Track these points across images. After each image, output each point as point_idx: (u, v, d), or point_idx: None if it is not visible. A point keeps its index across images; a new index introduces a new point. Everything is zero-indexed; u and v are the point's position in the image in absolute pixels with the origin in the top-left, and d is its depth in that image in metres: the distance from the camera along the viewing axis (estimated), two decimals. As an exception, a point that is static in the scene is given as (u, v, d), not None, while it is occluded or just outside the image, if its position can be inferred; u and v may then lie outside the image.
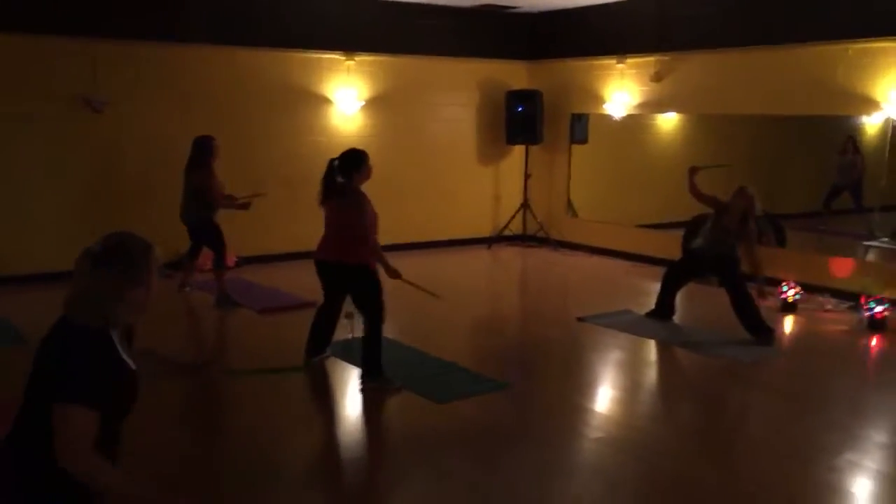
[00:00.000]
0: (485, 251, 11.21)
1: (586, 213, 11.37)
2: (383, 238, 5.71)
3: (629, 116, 10.46)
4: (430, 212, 11.04)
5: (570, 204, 11.44)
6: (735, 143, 9.60)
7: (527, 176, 11.50)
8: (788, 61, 8.58)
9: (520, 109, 11.09)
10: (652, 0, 9.79)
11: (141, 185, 8.94)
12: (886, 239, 8.05)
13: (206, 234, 7.76)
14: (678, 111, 10.18)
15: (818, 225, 9.38)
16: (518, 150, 11.60)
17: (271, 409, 5.27)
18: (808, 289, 8.15)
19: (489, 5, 10.54)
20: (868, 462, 4.55)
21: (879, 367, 6.66)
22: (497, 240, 11.52)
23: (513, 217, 11.51)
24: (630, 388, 5.98)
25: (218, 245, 7.76)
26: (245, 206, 7.85)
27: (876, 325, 7.22)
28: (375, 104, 10.43)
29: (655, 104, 10.11)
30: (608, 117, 10.67)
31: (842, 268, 8.21)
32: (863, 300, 7.36)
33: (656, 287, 7.58)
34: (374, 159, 5.65)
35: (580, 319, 7.47)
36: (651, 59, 9.94)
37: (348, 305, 5.85)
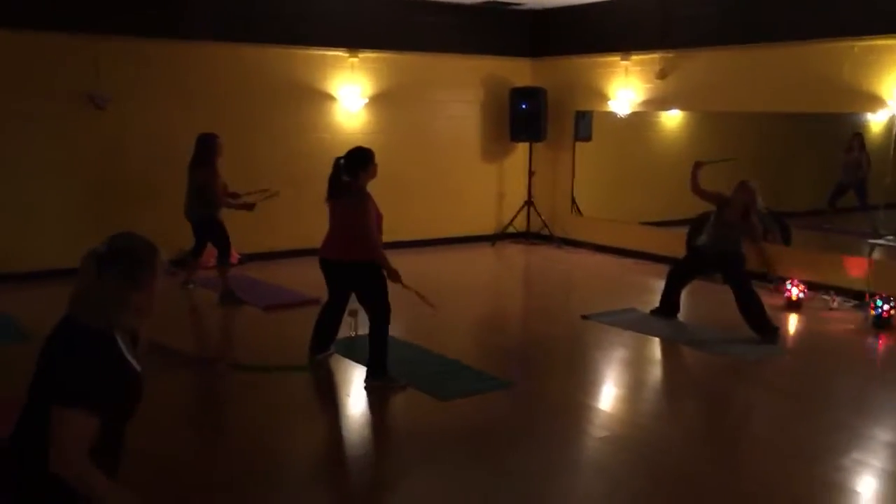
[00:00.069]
0: (488, 248, 11.19)
1: (590, 210, 11.35)
2: (387, 235, 5.70)
3: (633, 114, 10.43)
4: (434, 209, 11.03)
5: (573, 201, 11.41)
6: (740, 140, 9.57)
7: (531, 173, 11.48)
8: (793, 58, 8.55)
9: (524, 107, 11.07)
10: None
11: (144, 182, 8.94)
12: (891, 237, 8.02)
13: (209, 231, 7.76)
14: (683, 108, 10.15)
15: (823, 223, 9.35)
16: (522, 148, 11.58)
17: (275, 407, 5.26)
18: (813, 287, 8.13)
19: (493, 2, 10.51)
20: (874, 461, 4.53)
21: (885, 366, 6.63)
22: (501, 237, 11.50)
23: (516, 214, 11.49)
24: (634, 387, 5.96)
25: (222, 242, 7.76)
26: (249, 207, 7.81)
27: (881, 323, 7.19)
28: (379, 101, 10.42)
29: (660, 101, 10.09)
30: (612, 115, 10.64)
31: (856, 267, 8.18)
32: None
33: (661, 285, 7.56)
34: (377, 157, 5.63)
35: (584, 317, 7.45)
36: (656, 56, 9.91)
37: (353, 303, 5.84)
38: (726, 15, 9.11)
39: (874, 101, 7.98)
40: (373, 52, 10.26)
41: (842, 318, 7.61)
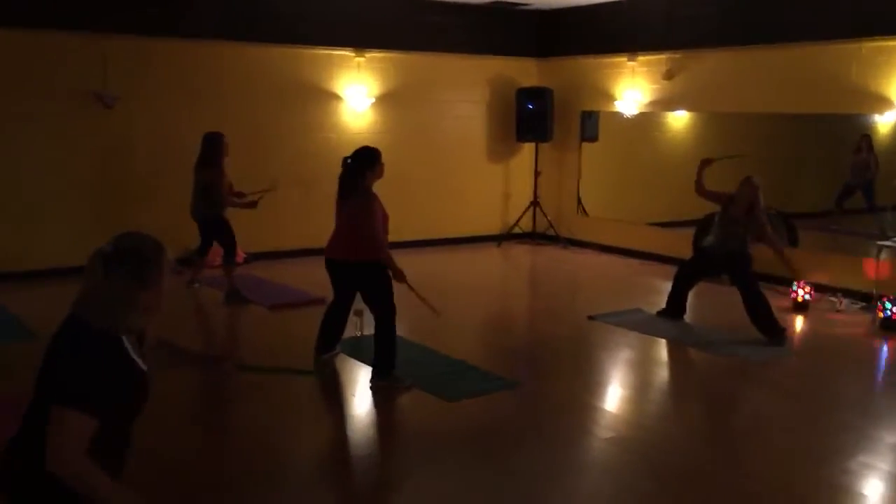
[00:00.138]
0: (494, 249, 11.18)
1: (596, 210, 11.33)
2: (392, 235, 5.69)
3: (640, 114, 10.42)
4: (440, 209, 11.03)
5: (580, 202, 11.40)
6: (747, 141, 9.53)
7: (536, 173, 11.47)
8: (801, 59, 8.53)
9: (530, 107, 11.06)
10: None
11: (151, 181, 8.96)
12: (899, 238, 7.99)
13: (215, 230, 7.77)
14: (689, 109, 10.13)
15: (830, 224, 9.32)
16: (528, 148, 11.57)
17: (281, 407, 5.26)
18: (820, 289, 8.11)
19: (500, 2, 10.51)
20: (881, 464, 4.51)
21: (893, 368, 6.60)
22: (507, 237, 11.49)
23: (522, 215, 11.48)
24: (640, 388, 5.95)
25: (228, 241, 7.77)
26: (252, 205, 7.83)
27: (889, 325, 7.17)
28: (386, 101, 10.42)
29: (667, 102, 10.07)
30: (619, 115, 10.63)
31: (863, 268, 8.14)
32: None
33: (667, 286, 7.55)
34: (383, 156, 5.63)
35: (590, 318, 7.44)
36: (663, 56, 9.90)
37: (359, 303, 5.84)
38: (733, 16, 9.09)
39: (882, 103, 7.95)
40: (379, 52, 10.26)
41: (849, 319, 7.59)
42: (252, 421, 5.09)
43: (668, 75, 9.85)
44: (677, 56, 9.75)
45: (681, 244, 9.14)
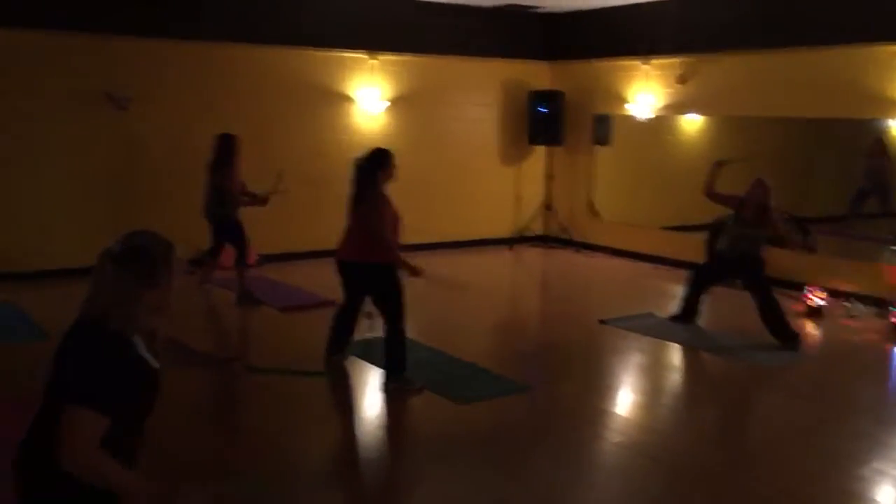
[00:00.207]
0: (507, 252, 11.17)
1: (609, 214, 11.29)
2: (405, 238, 5.69)
3: (653, 118, 10.38)
4: (452, 212, 11.02)
5: (592, 205, 11.37)
6: (761, 146, 9.48)
7: (549, 177, 11.44)
8: (816, 63, 8.47)
9: (542, 110, 11.05)
10: (677, 1, 9.71)
11: (164, 182, 8.99)
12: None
13: (228, 231, 7.78)
14: (703, 113, 10.08)
15: (844, 229, 9.26)
16: (540, 151, 11.56)
17: (291, 408, 5.27)
18: (834, 294, 8.05)
19: (512, 5, 10.50)
20: (894, 471, 4.47)
21: (907, 374, 6.56)
22: (519, 241, 11.48)
23: (534, 217, 11.46)
24: (652, 392, 5.92)
25: (240, 242, 7.79)
26: (264, 202, 7.85)
27: (903, 331, 7.12)
28: (398, 103, 10.43)
29: (680, 106, 10.03)
30: (631, 118, 10.59)
31: (878, 273, 8.09)
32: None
33: (680, 290, 7.51)
34: (396, 159, 5.63)
35: (602, 322, 7.42)
36: (676, 60, 9.86)
37: (369, 305, 5.84)
38: (747, 19, 9.04)
39: (897, 107, 7.90)
40: (392, 55, 10.27)
41: (863, 325, 7.53)
42: (262, 422, 5.10)
43: (682, 79, 9.81)
44: (691, 60, 9.71)
45: (693, 248, 9.09)
